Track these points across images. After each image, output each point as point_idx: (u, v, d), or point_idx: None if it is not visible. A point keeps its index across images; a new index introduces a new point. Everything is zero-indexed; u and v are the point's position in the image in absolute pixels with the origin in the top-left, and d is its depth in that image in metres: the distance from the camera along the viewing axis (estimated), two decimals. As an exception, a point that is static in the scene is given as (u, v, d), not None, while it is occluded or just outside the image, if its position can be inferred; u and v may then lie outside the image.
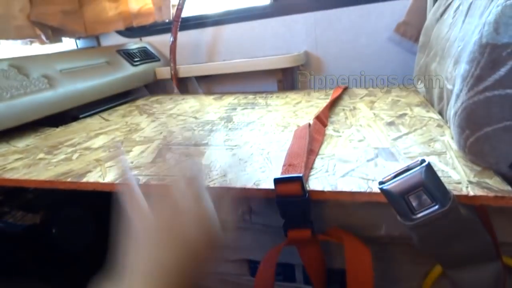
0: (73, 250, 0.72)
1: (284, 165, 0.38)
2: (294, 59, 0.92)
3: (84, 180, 0.42)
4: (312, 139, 0.45)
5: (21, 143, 0.61)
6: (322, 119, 0.54)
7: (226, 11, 1.04)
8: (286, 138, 0.50)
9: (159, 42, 1.14)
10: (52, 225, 0.72)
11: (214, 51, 1.08)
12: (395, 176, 0.29)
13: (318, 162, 0.40)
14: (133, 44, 1.08)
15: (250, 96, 0.84)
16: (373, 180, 0.34)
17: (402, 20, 0.83)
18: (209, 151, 0.48)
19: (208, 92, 1.08)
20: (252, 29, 1.01)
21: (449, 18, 0.52)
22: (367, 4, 0.88)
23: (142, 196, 0.31)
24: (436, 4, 0.64)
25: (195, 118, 0.68)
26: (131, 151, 0.51)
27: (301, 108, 0.67)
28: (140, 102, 0.93)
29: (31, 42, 1.07)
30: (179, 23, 0.99)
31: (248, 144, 0.49)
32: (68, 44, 1.21)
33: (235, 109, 0.72)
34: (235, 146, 0.49)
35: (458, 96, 0.35)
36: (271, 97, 0.81)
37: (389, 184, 0.29)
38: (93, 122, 0.73)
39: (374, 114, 0.57)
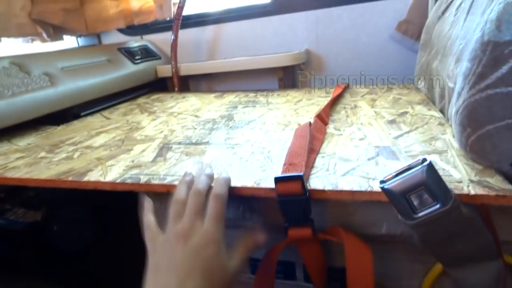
0: (74, 248, 0.73)
1: (284, 164, 0.38)
2: (295, 57, 0.92)
3: (85, 179, 0.42)
4: (313, 138, 0.45)
5: (23, 142, 0.61)
6: (323, 118, 0.54)
7: (227, 9, 1.04)
8: (287, 136, 0.49)
9: (160, 40, 1.13)
10: (53, 223, 0.72)
11: (215, 49, 1.08)
12: (396, 175, 0.29)
13: (318, 161, 0.40)
14: (134, 42, 1.08)
15: (251, 94, 0.84)
16: (374, 179, 0.34)
17: (404, 18, 0.83)
18: (210, 150, 0.48)
19: (209, 90, 1.08)
20: (253, 27, 1.01)
21: (451, 16, 0.52)
22: (369, 2, 0.87)
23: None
24: (438, 2, 0.64)
25: (196, 116, 0.68)
26: (132, 149, 0.51)
27: (302, 107, 0.67)
28: (141, 100, 0.93)
29: (33, 40, 1.07)
30: (180, 21, 0.99)
31: (249, 143, 0.49)
32: (69, 42, 1.21)
33: (236, 107, 0.72)
34: (236, 144, 0.49)
35: (459, 94, 0.35)
36: (272, 95, 0.81)
37: (390, 183, 0.29)
38: (94, 121, 0.73)
39: (375, 112, 0.57)
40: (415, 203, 0.28)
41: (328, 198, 0.33)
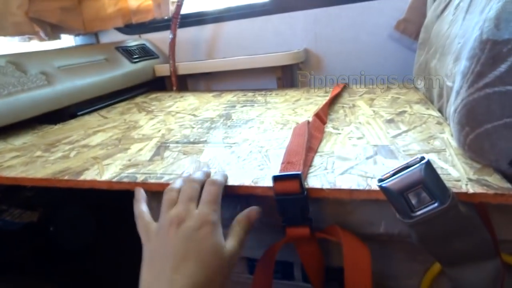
0: (70, 248, 0.72)
1: (282, 163, 0.38)
2: (293, 56, 0.92)
3: (81, 178, 0.41)
4: (311, 137, 0.45)
5: (18, 141, 0.61)
6: (321, 117, 0.54)
7: (225, 8, 1.04)
8: (284, 135, 0.49)
9: (158, 39, 1.13)
10: (50, 223, 0.71)
11: (214, 48, 1.08)
12: (394, 174, 0.29)
13: (317, 160, 0.40)
14: (132, 41, 1.08)
15: (249, 94, 0.84)
16: (372, 178, 0.34)
17: (402, 17, 0.82)
18: (208, 149, 0.47)
19: (208, 90, 1.08)
20: (251, 26, 1.01)
21: (450, 15, 0.52)
22: (367, 1, 0.87)
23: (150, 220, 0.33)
24: (437, 1, 0.64)
25: (194, 115, 0.68)
26: (129, 148, 0.51)
27: (301, 106, 0.67)
28: (139, 99, 0.92)
29: (30, 39, 1.06)
30: (179, 20, 0.98)
31: (247, 142, 0.49)
32: (66, 41, 1.20)
33: (234, 106, 0.72)
34: (234, 143, 0.49)
35: (458, 93, 0.35)
36: (270, 94, 0.81)
37: (388, 182, 0.28)
38: (91, 120, 0.73)
39: (374, 111, 0.57)
40: (413, 201, 0.27)
41: (326, 196, 0.33)
